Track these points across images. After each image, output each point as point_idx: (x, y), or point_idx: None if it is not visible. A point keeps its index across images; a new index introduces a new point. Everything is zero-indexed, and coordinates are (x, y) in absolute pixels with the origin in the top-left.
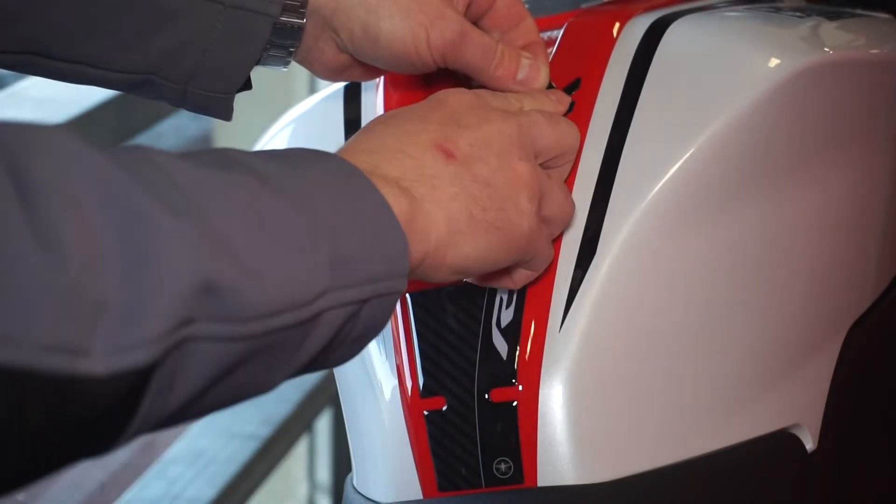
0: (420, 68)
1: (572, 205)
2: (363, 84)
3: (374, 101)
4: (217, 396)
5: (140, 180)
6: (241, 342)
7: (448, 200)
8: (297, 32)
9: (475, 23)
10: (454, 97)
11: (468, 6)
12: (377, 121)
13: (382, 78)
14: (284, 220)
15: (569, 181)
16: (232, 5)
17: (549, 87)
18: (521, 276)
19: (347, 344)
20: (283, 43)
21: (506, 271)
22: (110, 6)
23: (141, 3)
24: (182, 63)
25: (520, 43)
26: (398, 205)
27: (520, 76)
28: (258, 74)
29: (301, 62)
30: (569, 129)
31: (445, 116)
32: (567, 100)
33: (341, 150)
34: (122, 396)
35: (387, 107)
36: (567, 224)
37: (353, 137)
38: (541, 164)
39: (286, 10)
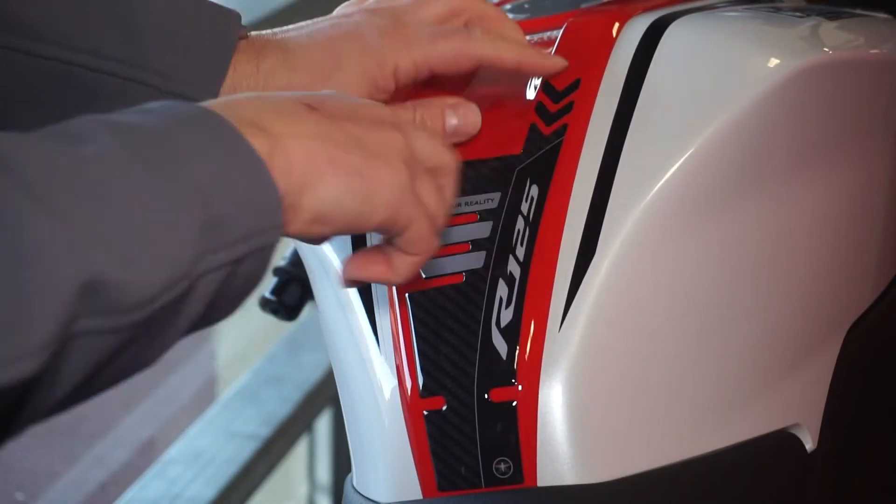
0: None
1: (450, 205)
2: None
3: None
4: (100, 383)
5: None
6: (118, 333)
7: (308, 138)
8: None
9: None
10: (333, 95)
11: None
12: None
13: None
14: (150, 194)
15: (569, 181)
16: (168, 91)
17: (548, 86)
18: (400, 263)
19: (228, 301)
20: None
21: (382, 255)
22: (46, 86)
23: (71, 82)
24: None
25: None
26: (257, 141)
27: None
28: None
29: None
30: (449, 150)
31: (317, 94)
32: (469, 107)
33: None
34: (7, 402)
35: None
36: (445, 220)
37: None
38: None
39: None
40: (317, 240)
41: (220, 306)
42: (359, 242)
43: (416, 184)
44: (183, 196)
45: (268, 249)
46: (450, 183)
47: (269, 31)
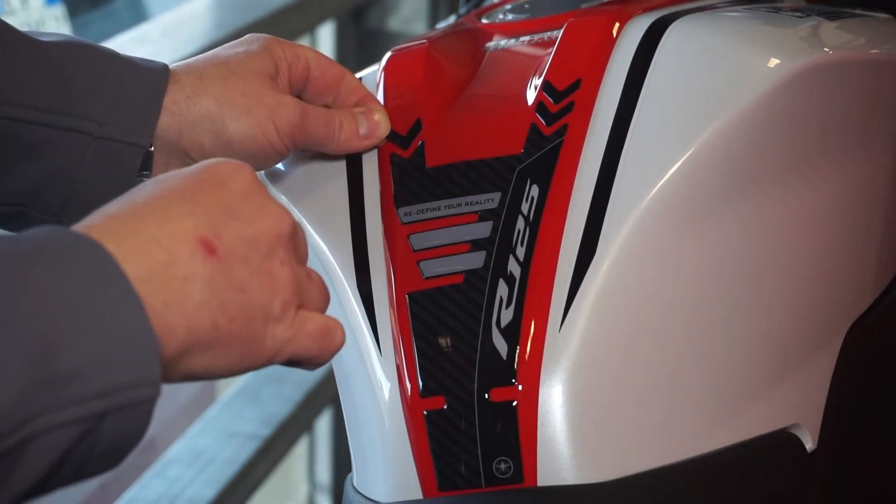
0: (276, 158)
1: (326, 300)
2: (363, 84)
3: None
4: None
5: None
6: None
7: (194, 309)
8: (148, 161)
9: (300, 96)
10: (239, 180)
11: (289, 84)
12: (145, 187)
13: (382, 77)
14: None
15: (569, 181)
16: (101, 136)
17: (549, 86)
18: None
19: (96, 460)
20: (145, 173)
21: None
22: None
23: (8, 135)
24: (53, 193)
25: (351, 100)
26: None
27: (362, 132)
28: None
29: None
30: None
31: (220, 202)
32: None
33: (91, 223)
34: None
35: (386, 106)
36: (325, 301)
37: (113, 203)
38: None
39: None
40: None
41: (84, 466)
42: (360, 250)
43: (286, 345)
44: (22, 343)
45: (144, 406)
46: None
47: (188, 62)
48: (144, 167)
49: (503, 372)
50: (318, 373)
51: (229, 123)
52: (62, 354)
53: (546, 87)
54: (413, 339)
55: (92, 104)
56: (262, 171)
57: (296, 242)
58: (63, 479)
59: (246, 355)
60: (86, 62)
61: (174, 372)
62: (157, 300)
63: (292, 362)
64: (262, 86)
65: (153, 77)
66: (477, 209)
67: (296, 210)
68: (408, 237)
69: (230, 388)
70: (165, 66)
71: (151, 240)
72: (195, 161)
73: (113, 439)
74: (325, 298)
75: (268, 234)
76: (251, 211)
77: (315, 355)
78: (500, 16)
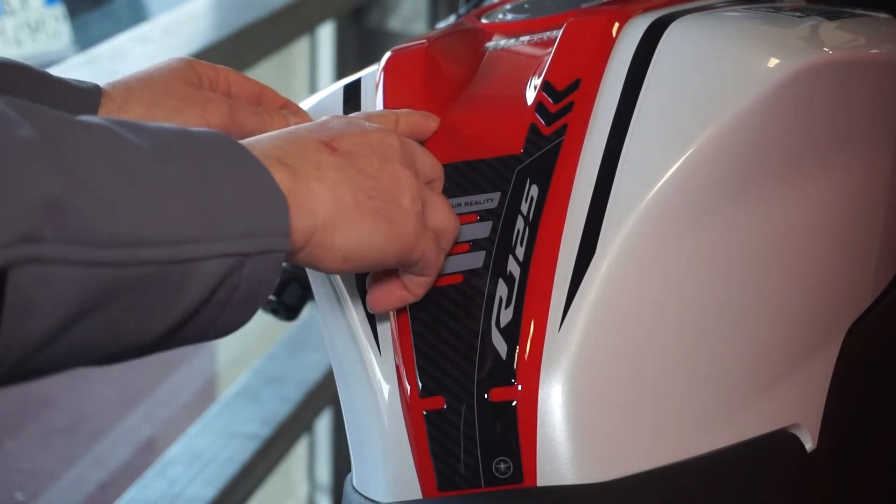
0: None
1: (456, 218)
2: (363, 84)
3: (373, 100)
4: (85, 332)
5: (9, 102)
6: (96, 268)
7: (333, 183)
8: None
9: None
10: (336, 119)
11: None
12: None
13: (382, 77)
14: (150, 169)
15: (568, 181)
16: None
17: (548, 86)
18: (415, 285)
19: (234, 305)
20: None
21: (398, 282)
22: None
23: None
24: None
25: (274, 107)
26: (280, 175)
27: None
28: (258, 74)
29: None
30: (437, 161)
31: (326, 127)
32: (436, 118)
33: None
34: None
35: (386, 106)
36: (455, 236)
37: None
38: None
39: None
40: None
41: (223, 308)
42: None
43: (426, 211)
44: (184, 176)
45: (275, 256)
46: (439, 188)
47: (115, 80)
48: None
49: (503, 372)
50: (318, 373)
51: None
52: (216, 191)
53: (546, 87)
54: (412, 338)
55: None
56: None
57: (412, 156)
58: (211, 319)
59: (393, 233)
60: (22, 82)
61: (332, 247)
62: (300, 170)
63: (431, 250)
64: (186, 89)
65: (86, 94)
66: (476, 209)
67: None
68: None
69: (230, 388)
70: (96, 85)
71: (278, 139)
72: None
73: (249, 285)
74: (449, 208)
75: (380, 141)
76: (356, 129)
77: (454, 225)
78: (500, 16)
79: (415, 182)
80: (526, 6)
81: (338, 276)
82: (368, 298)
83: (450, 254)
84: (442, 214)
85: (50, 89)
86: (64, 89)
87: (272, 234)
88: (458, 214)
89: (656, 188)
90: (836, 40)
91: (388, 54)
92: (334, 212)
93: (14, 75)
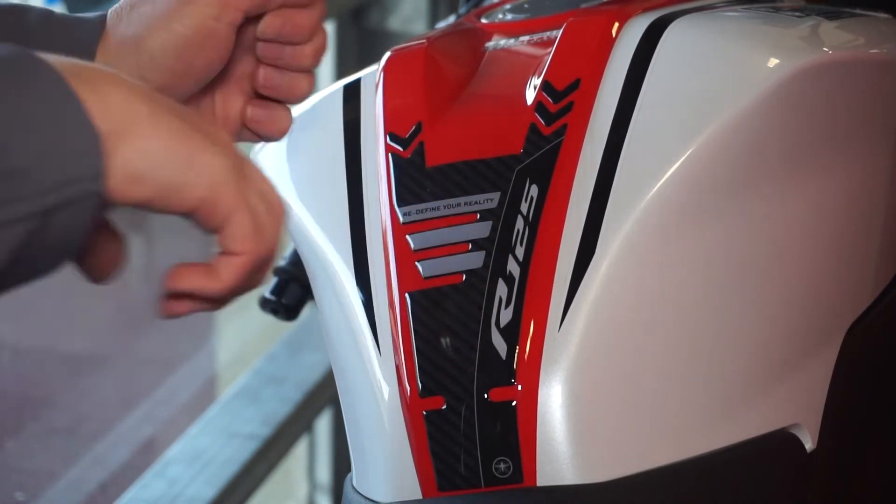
0: (224, 42)
1: (279, 217)
2: (363, 84)
3: (373, 101)
4: None
5: None
6: None
7: (132, 90)
8: None
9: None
10: None
11: None
12: None
13: (382, 77)
14: None
15: (568, 181)
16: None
17: (548, 86)
18: (223, 267)
19: (44, 256)
20: None
21: (203, 265)
22: None
23: None
24: None
25: None
26: (79, 88)
27: None
28: None
29: None
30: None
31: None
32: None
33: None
34: None
35: (386, 106)
36: (281, 219)
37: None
38: None
39: None
40: (136, 206)
41: (31, 262)
42: (359, 249)
43: (241, 182)
44: None
45: (87, 200)
46: (279, 217)
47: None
48: None
49: (502, 372)
50: (318, 373)
51: (172, 24)
52: (8, 152)
53: (545, 86)
54: (412, 338)
55: (44, 44)
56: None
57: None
58: (16, 278)
59: (197, 159)
60: (31, 17)
61: (115, 157)
62: (100, 80)
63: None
64: None
65: (92, 20)
66: (476, 209)
67: (295, 210)
68: (407, 237)
69: (230, 388)
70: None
71: (89, 77)
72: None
73: (61, 236)
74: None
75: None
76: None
77: (281, 201)
78: (500, 16)
79: (237, 157)
80: (526, 6)
81: (338, 276)
82: (163, 279)
83: (449, 254)
84: (267, 185)
85: (56, 18)
86: (70, 18)
87: (82, 180)
88: (458, 214)
89: (656, 188)
90: (835, 40)
91: (387, 54)
92: (126, 116)
93: (21, 13)
